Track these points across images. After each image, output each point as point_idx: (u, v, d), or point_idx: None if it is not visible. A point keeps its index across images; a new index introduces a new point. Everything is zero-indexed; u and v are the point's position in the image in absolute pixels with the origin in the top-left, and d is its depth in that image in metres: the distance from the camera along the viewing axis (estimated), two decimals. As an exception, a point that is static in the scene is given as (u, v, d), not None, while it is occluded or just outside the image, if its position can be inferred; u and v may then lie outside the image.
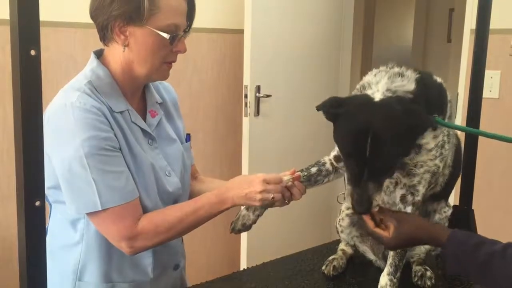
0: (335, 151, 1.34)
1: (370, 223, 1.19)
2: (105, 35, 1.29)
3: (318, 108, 1.18)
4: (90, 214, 1.24)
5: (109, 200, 1.21)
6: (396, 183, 1.28)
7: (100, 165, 1.21)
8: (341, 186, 1.44)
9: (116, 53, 1.30)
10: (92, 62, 1.32)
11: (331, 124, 1.18)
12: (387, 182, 1.28)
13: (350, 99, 1.19)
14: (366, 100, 1.15)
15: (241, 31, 2.80)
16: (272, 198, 1.26)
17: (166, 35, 1.26)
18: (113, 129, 1.25)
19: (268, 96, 2.88)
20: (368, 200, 1.12)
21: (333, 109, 1.15)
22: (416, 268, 1.44)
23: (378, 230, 1.18)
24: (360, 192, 1.12)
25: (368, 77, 1.21)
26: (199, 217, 1.29)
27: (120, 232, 1.24)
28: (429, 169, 1.25)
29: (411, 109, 1.12)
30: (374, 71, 1.23)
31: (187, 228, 1.30)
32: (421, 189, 1.27)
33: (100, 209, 1.21)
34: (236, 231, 1.35)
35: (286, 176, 1.31)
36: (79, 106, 1.21)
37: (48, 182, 1.29)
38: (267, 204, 1.31)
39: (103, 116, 1.23)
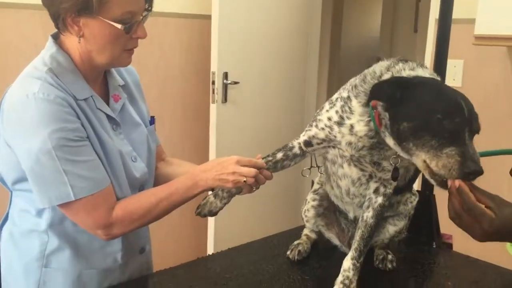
0: (306, 135, 1.33)
1: (471, 196, 1.06)
2: (58, 25, 1.24)
3: (378, 89, 1.13)
4: (62, 205, 1.22)
5: (82, 191, 1.20)
6: (371, 177, 1.29)
7: (70, 156, 1.18)
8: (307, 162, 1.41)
9: (73, 42, 1.25)
10: (51, 47, 1.27)
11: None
12: (359, 174, 1.29)
13: (413, 80, 1.15)
14: (434, 81, 1.16)
15: (208, 17, 2.78)
16: (245, 181, 1.25)
17: (120, 26, 1.20)
18: (79, 119, 1.22)
19: (236, 83, 2.87)
20: (479, 160, 1.06)
21: (402, 90, 1.12)
22: (378, 251, 1.46)
23: (481, 207, 1.05)
24: (473, 150, 1.05)
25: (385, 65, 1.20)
26: (173, 201, 1.29)
27: (95, 221, 1.23)
28: (403, 165, 1.26)
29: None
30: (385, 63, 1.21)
31: (162, 213, 1.30)
32: (394, 183, 1.29)
33: (73, 199, 1.19)
34: (202, 215, 1.35)
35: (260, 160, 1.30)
36: (42, 97, 1.16)
37: (13, 174, 1.27)
38: (236, 191, 1.31)
39: (69, 106, 1.20)
